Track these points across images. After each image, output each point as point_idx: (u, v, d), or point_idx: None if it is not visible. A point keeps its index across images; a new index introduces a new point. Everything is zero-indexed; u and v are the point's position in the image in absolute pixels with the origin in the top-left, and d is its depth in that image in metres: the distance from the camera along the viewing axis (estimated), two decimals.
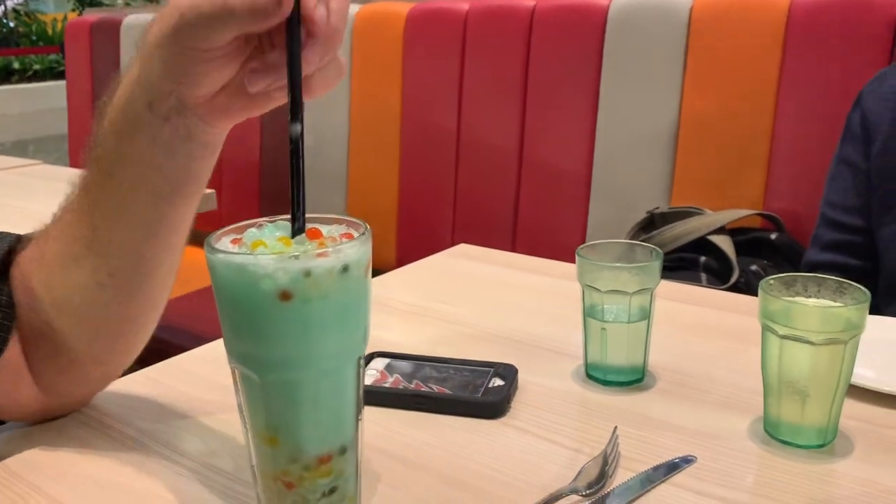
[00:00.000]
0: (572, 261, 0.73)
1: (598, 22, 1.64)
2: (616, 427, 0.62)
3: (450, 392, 0.67)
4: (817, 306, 0.60)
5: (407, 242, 1.96)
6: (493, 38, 1.78)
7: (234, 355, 0.46)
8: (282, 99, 0.50)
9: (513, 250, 1.25)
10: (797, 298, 0.61)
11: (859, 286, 0.59)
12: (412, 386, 0.68)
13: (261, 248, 0.44)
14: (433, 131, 1.89)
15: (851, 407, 0.64)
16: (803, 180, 1.44)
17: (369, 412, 0.60)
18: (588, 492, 0.54)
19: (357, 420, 0.48)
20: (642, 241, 1.35)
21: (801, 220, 1.43)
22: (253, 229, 0.46)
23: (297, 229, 0.45)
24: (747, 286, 1.30)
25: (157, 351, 0.85)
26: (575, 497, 0.54)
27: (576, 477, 0.56)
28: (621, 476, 0.57)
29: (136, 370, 0.75)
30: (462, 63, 1.82)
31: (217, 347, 0.75)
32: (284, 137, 0.45)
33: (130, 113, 0.53)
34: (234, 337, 0.45)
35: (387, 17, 1.95)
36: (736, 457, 0.59)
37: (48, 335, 0.60)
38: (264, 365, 0.44)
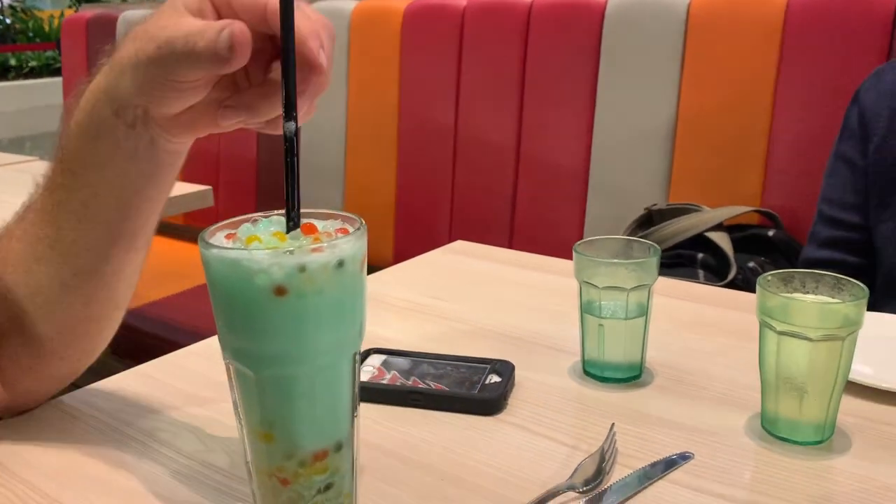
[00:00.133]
0: (569, 257, 0.72)
1: (595, 18, 1.64)
2: (613, 424, 0.62)
3: (447, 389, 0.67)
4: (815, 302, 0.60)
5: (404, 239, 1.96)
6: (490, 34, 1.78)
7: (229, 351, 0.45)
8: (243, 126, 0.53)
9: (510, 247, 1.25)
10: (795, 294, 0.61)
11: (857, 282, 0.59)
12: (409, 382, 0.68)
13: (255, 243, 0.44)
14: (431, 127, 1.88)
15: (849, 403, 0.64)
16: (801, 177, 1.44)
17: (366, 409, 0.60)
18: (585, 488, 0.54)
19: (353, 416, 0.48)
20: (640, 237, 1.35)
21: (798, 216, 1.43)
22: (247, 224, 0.46)
23: (292, 228, 0.45)
24: (745, 283, 1.30)
25: (153, 348, 0.85)
26: (572, 494, 0.54)
27: (573, 474, 0.56)
28: (618, 473, 0.57)
29: (130, 367, 0.74)
30: (459, 59, 1.82)
31: (212, 344, 0.75)
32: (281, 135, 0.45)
33: (96, 117, 0.54)
34: (229, 332, 0.45)
35: (384, 13, 1.95)
36: (733, 453, 0.59)
37: (11, 334, 0.60)
38: (259, 360, 0.44)
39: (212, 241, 0.44)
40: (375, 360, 0.72)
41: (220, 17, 0.50)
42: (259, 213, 0.47)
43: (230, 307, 0.44)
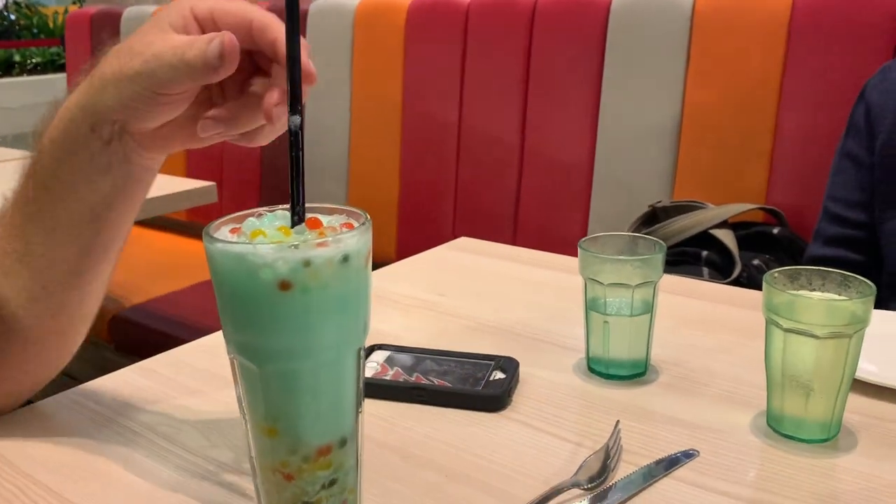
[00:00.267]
0: (573, 254, 0.72)
1: (600, 14, 1.63)
2: (618, 421, 0.61)
3: (451, 385, 0.67)
4: (822, 300, 0.59)
5: (407, 235, 1.96)
6: (494, 30, 1.78)
7: (233, 345, 0.45)
8: (219, 139, 0.55)
9: (514, 243, 1.25)
10: (801, 292, 0.60)
11: (864, 280, 0.59)
12: (413, 379, 0.68)
13: (260, 237, 0.43)
14: (434, 123, 1.88)
15: (855, 401, 0.63)
16: (806, 175, 1.43)
17: (370, 405, 0.60)
18: (590, 486, 0.54)
19: (357, 412, 0.47)
20: (644, 234, 1.35)
21: (803, 214, 1.43)
22: (252, 219, 0.46)
23: (297, 222, 0.45)
24: (749, 281, 1.30)
25: (157, 343, 0.85)
26: (576, 491, 0.53)
27: (577, 471, 0.55)
28: (623, 470, 0.56)
29: (133, 363, 0.74)
30: (463, 55, 1.82)
31: (216, 339, 0.75)
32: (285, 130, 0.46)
33: (72, 133, 0.54)
34: (233, 327, 0.45)
35: (388, 9, 1.94)
36: (738, 451, 0.59)
37: None
38: (263, 355, 0.44)
39: (216, 235, 0.44)
40: (379, 357, 0.72)
41: (204, 34, 0.52)
42: (264, 208, 0.47)
43: (234, 302, 0.44)
